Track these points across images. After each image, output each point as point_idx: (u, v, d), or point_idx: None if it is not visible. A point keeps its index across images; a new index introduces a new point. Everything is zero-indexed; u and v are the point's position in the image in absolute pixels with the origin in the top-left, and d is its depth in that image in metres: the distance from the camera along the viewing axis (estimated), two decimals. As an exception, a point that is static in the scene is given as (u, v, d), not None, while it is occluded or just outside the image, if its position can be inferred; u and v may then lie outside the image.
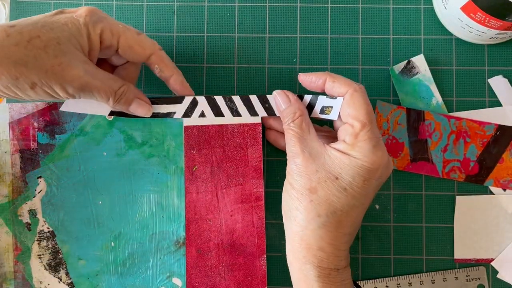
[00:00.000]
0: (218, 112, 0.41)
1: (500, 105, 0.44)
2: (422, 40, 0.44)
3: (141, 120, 0.41)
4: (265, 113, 0.40)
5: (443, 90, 0.44)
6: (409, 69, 0.44)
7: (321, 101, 0.38)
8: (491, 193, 0.43)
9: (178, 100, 0.41)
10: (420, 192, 0.43)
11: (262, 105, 0.40)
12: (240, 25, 0.45)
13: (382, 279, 0.43)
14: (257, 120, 0.41)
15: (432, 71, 0.44)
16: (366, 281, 0.43)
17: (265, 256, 0.40)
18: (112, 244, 0.41)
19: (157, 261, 0.41)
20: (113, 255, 0.41)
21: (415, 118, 0.43)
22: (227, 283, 0.41)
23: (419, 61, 0.44)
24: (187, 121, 0.41)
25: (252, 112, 0.40)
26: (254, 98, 0.40)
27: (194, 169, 0.41)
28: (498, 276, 0.43)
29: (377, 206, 0.43)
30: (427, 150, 0.43)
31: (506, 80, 0.44)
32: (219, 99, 0.41)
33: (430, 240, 0.43)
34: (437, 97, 0.43)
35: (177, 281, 0.41)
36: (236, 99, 0.41)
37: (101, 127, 0.41)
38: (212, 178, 0.41)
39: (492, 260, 0.43)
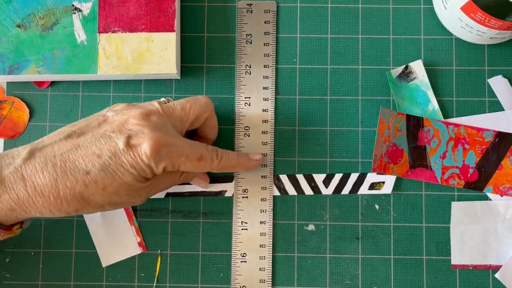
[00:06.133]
0: None
1: (499, 105, 0.44)
2: (422, 40, 0.45)
3: None
4: (311, 191, 0.43)
5: (443, 90, 0.44)
6: (406, 74, 0.44)
7: (370, 178, 0.43)
8: (488, 198, 0.43)
9: (228, 179, 0.43)
10: (420, 192, 0.43)
11: (308, 183, 0.43)
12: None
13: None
14: None
15: (431, 71, 0.44)
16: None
17: None
18: None
19: None
20: None
21: (414, 124, 0.43)
22: None
23: (417, 67, 0.44)
24: None
25: (299, 190, 0.43)
26: (300, 177, 0.43)
27: None
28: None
29: (377, 206, 0.43)
30: (426, 157, 0.43)
31: (506, 80, 0.44)
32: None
33: (430, 240, 0.43)
34: (434, 103, 0.44)
35: None
36: (283, 177, 0.43)
37: None
38: None
39: (490, 266, 0.42)
